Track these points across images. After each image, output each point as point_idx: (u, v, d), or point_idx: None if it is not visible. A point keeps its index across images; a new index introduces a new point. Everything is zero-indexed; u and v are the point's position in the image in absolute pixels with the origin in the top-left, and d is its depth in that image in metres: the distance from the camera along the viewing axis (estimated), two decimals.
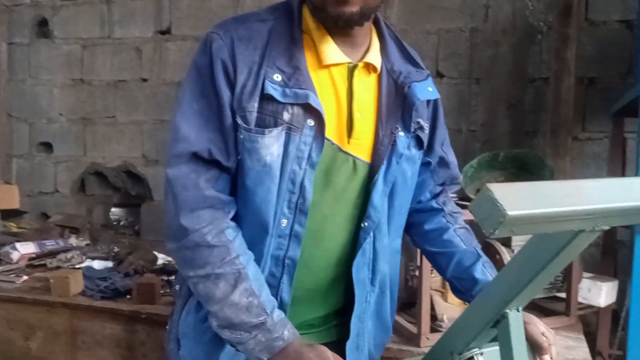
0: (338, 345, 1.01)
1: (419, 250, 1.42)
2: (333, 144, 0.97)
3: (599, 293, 1.73)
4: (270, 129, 0.92)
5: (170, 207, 0.94)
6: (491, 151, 1.93)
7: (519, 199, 0.52)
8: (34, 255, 2.35)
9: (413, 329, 1.48)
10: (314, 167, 0.94)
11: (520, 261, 0.66)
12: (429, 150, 1.12)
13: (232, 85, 0.92)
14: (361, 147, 1.00)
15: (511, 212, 0.50)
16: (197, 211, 0.91)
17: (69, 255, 2.31)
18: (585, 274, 1.84)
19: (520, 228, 0.53)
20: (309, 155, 0.94)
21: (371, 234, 1.01)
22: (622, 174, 2.15)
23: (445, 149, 1.16)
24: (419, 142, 1.05)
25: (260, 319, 0.88)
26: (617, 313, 2.11)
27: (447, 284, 1.57)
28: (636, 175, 1.53)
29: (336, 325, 1.07)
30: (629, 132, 2.17)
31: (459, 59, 2.52)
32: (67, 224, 2.90)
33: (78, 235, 2.75)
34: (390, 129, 1.01)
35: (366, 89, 1.01)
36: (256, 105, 0.92)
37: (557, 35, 2.22)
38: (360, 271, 1.02)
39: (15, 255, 2.32)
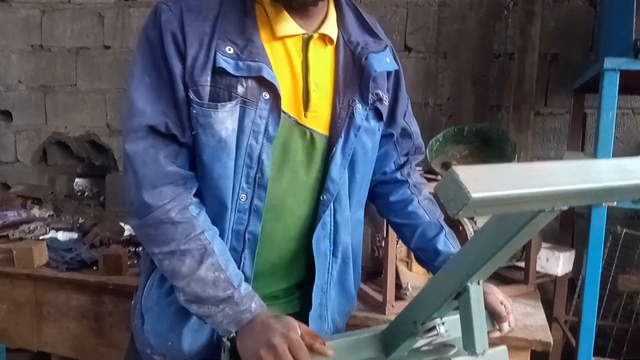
0: (302, 315, 1.02)
1: (385, 222, 1.46)
2: (290, 117, 0.96)
3: (557, 263, 1.81)
4: (223, 103, 0.90)
5: (130, 184, 0.93)
6: (456, 125, 1.96)
7: (483, 181, 0.54)
8: None
9: (379, 297, 1.52)
10: (271, 141, 0.93)
11: (482, 238, 0.69)
12: (391, 121, 1.12)
13: (183, 58, 0.90)
14: (319, 120, 0.99)
15: (475, 195, 0.52)
16: (159, 187, 0.91)
17: (32, 226, 2.26)
18: (544, 245, 1.92)
19: (483, 209, 0.55)
20: (266, 129, 0.93)
21: (331, 206, 1.02)
22: (582, 148, 2.23)
23: (407, 120, 1.16)
24: (377, 114, 1.05)
25: (228, 292, 0.89)
26: (573, 281, 2.22)
27: (412, 254, 1.63)
28: (595, 149, 1.59)
29: (299, 297, 1.09)
30: (589, 108, 2.24)
31: (427, 33, 2.53)
32: (29, 194, 2.82)
33: (41, 206, 2.68)
34: (348, 101, 0.99)
35: (322, 60, 1.00)
36: (209, 79, 0.90)
37: (522, 11, 2.25)
38: (320, 244, 1.03)
39: None
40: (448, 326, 0.82)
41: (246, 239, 0.97)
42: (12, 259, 1.94)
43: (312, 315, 1.04)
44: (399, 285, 1.55)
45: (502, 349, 0.76)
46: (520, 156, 2.18)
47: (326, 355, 0.83)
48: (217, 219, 0.95)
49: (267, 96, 0.92)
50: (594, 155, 1.55)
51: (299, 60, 0.97)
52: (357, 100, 1.00)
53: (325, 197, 1.00)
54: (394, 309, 1.47)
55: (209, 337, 1.01)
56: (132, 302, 1.09)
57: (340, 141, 0.99)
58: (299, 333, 0.84)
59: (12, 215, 2.43)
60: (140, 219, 0.92)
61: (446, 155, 1.92)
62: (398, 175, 1.19)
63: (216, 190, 0.93)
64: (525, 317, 1.48)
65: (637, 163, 0.63)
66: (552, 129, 2.41)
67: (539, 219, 0.61)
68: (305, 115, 0.98)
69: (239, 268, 0.97)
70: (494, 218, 0.67)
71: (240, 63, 0.90)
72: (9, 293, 1.95)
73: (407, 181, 1.19)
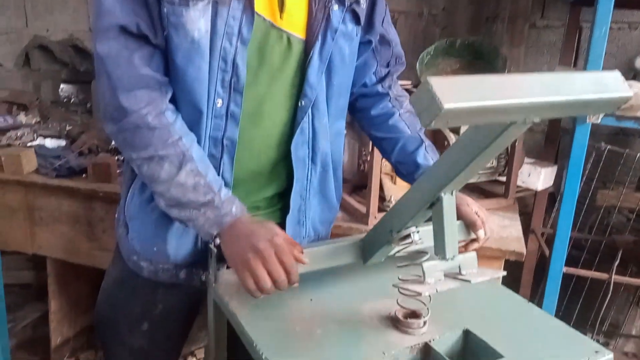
0: (282, 226, 1.05)
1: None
2: (265, 19, 0.94)
3: (538, 178, 1.85)
4: (195, 1, 0.87)
5: (104, 87, 0.91)
6: (448, 38, 1.92)
7: (456, 92, 0.54)
8: None
9: (362, 209, 1.56)
10: (245, 44, 0.92)
11: (456, 149, 0.71)
12: (369, 27, 1.09)
13: None
14: (295, 23, 0.97)
15: (447, 105, 0.53)
16: (134, 91, 0.89)
17: (19, 132, 2.25)
18: (527, 160, 1.95)
19: (455, 120, 0.56)
20: (240, 31, 0.91)
21: (309, 112, 1.01)
22: (574, 64, 2.20)
23: (385, 27, 1.14)
24: (355, 17, 1.02)
25: (208, 197, 0.90)
26: (554, 195, 2.28)
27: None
28: (586, 63, 1.57)
29: (280, 208, 1.11)
30: (586, 22, 2.19)
31: None
32: (14, 100, 2.78)
33: (27, 112, 2.65)
34: (324, 3, 0.97)
35: None
36: None
37: None
38: (299, 149, 1.04)
39: None
40: (422, 236, 0.86)
41: (224, 145, 0.97)
42: (1, 165, 1.95)
43: (290, 219, 1.07)
44: (382, 198, 1.59)
45: (472, 254, 0.80)
46: (511, 70, 2.16)
47: (303, 262, 0.86)
48: (194, 125, 0.95)
49: None
50: (584, 69, 1.54)
51: None
52: (333, 1, 0.97)
53: (303, 102, 1.00)
54: (376, 220, 1.51)
55: (193, 242, 1.04)
56: (116, 213, 1.11)
57: (317, 44, 0.97)
58: (283, 238, 0.86)
59: None
60: (116, 123, 0.91)
61: (437, 69, 1.89)
62: (379, 88, 1.18)
63: (191, 95, 0.92)
64: (502, 229, 1.53)
65: (613, 77, 0.63)
66: (547, 42, 2.37)
67: (511, 130, 0.62)
68: (280, 18, 0.95)
69: (218, 175, 0.97)
70: (468, 130, 0.68)
71: None
72: (1, 198, 1.98)
73: (388, 94, 1.17)
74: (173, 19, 0.88)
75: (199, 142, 0.96)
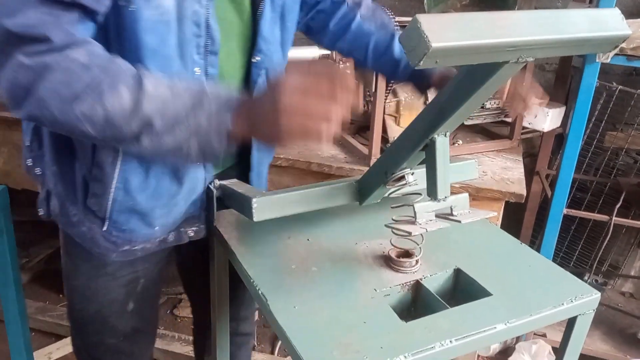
0: (243, 177, 1.03)
1: (374, 77, 1.44)
2: None
3: (544, 119, 1.82)
4: None
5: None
6: None
7: (445, 31, 0.53)
8: None
9: (365, 150, 1.56)
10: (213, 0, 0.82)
11: (449, 90, 0.69)
12: None
13: None
14: None
15: (435, 44, 0.52)
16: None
17: None
18: (535, 100, 1.91)
19: (444, 60, 0.55)
20: None
21: (263, 69, 0.95)
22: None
23: None
24: None
25: (194, 93, 0.73)
26: (562, 137, 2.25)
27: (401, 108, 1.63)
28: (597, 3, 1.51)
29: (238, 162, 1.07)
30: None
31: None
32: None
33: None
34: None
35: None
36: None
37: None
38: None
39: None
40: (417, 177, 0.86)
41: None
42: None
43: (253, 175, 1.05)
44: (385, 139, 1.59)
45: (464, 195, 0.81)
46: (522, 7, 2.08)
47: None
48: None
49: None
50: (596, 6, 1.48)
51: None
52: None
53: (258, 58, 0.93)
54: None
55: (184, 207, 0.97)
56: (70, 207, 0.96)
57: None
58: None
59: None
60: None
61: (445, 4, 1.83)
62: None
63: (165, 73, 0.78)
64: (504, 170, 1.53)
65: (611, 14, 0.61)
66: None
67: (504, 70, 0.61)
68: None
69: None
70: (461, 70, 0.67)
71: None
72: (9, 137, 2.00)
73: (344, 0, 1.09)
74: None
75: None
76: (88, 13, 0.72)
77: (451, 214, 0.79)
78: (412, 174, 0.85)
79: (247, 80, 0.96)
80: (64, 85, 0.68)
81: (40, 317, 2.06)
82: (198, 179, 0.97)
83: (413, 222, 0.77)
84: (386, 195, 0.93)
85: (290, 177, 1.61)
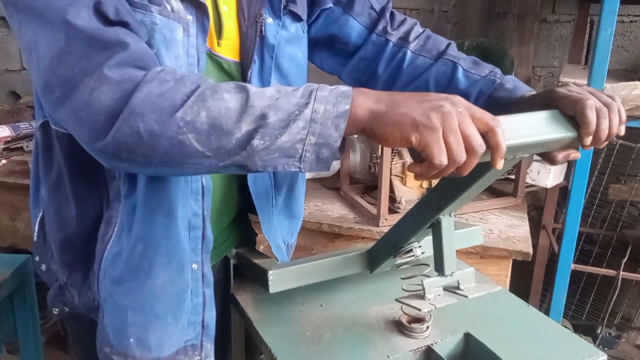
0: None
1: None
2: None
3: (547, 175, 1.88)
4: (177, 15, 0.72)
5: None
6: (460, 34, 1.95)
7: None
8: (9, 139, 2.38)
9: (373, 210, 1.61)
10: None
11: (452, 179, 0.75)
12: (313, 4, 0.95)
13: None
14: (231, 47, 0.84)
15: None
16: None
17: None
18: (537, 157, 1.97)
19: None
20: (198, 61, 0.77)
21: None
22: (585, 60, 2.20)
23: None
24: (295, 17, 0.89)
25: (303, 88, 0.65)
26: (566, 189, 2.30)
27: (407, 169, 1.70)
28: (593, 57, 1.58)
29: (242, 229, 1.05)
30: (596, 15, 2.19)
31: None
32: None
33: None
34: (254, 17, 0.83)
35: None
36: None
37: None
38: (258, 183, 0.94)
39: None
40: (424, 247, 0.91)
41: (204, 194, 0.84)
42: (28, 171, 2.03)
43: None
44: (393, 199, 1.64)
45: (470, 270, 0.85)
46: (521, 69, 2.17)
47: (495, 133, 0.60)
48: (172, 186, 0.79)
49: (191, 18, 0.74)
50: (590, 71, 1.56)
51: None
52: (265, 14, 0.83)
53: None
54: (387, 221, 1.56)
55: (184, 329, 0.87)
56: (88, 293, 0.90)
57: (255, 67, 0.84)
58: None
59: (24, 127, 2.50)
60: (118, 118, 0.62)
61: None
62: (374, 38, 0.98)
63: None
64: (510, 228, 1.57)
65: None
66: (558, 37, 2.37)
67: (503, 164, 0.67)
68: (218, 44, 0.82)
69: (202, 233, 0.85)
70: None
71: None
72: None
73: (388, 39, 0.97)
74: (167, 33, 0.71)
75: (187, 201, 0.81)
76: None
77: (458, 288, 0.84)
78: (420, 246, 0.89)
79: None
80: (162, 96, 0.62)
81: None
82: (183, 287, 0.85)
83: (422, 297, 0.82)
84: (395, 264, 0.97)
85: (302, 238, 1.65)
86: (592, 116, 0.68)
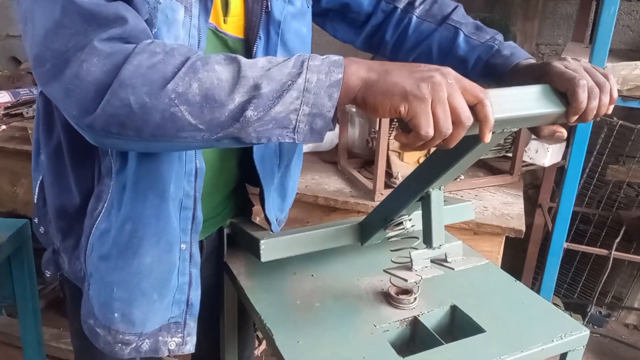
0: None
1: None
2: (210, 26, 0.80)
3: (545, 154, 1.88)
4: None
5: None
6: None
7: None
8: (9, 105, 2.38)
9: (370, 184, 1.62)
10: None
11: (441, 153, 0.76)
12: None
13: None
14: (236, 24, 0.84)
15: None
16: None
17: None
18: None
19: None
20: (199, 41, 0.76)
21: None
22: (590, 36, 2.18)
23: None
24: None
25: (295, 58, 0.65)
26: (563, 169, 2.30)
27: (394, 139, 1.69)
28: (593, 44, 1.57)
29: (236, 202, 1.07)
30: None
31: None
32: None
33: None
34: None
35: None
36: None
37: None
38: (266, 163, 0.94)
39: None
40: (414, 221, 0.92)
41: (197, 175, 0.85)
42: (27, 137, 2.04)
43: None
44: (390, 174, 1.65)
45: (458, 243, 0.86)
46: (524, 45, 2.16)
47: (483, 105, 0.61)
48: (166, 167, 0.79)
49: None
50: (592, 50, 1.55)
51: None
52: None
53: None
54: (382, 196, 1.57)
55: (168, 306, 0.88)
56: (76, 262, 0.91)
57: (260, 43, 0.83)
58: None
59: (24, 93, 2.50)
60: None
61: None
62: (382, 6, 0.99)
63: None
64: (505, 205, 1.58)
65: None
66: (564, 14, 2.34)
67: (492, 138, 0.67)
68: (224, 21, 0.82)
69: (193, 214, 0.86)
70: None
71: None
72: (29, 169, 2.07)
73: (396, 6, 0.98)
74: (170, 13, 0.71)
75: (180, 181, 0.81)
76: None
77: (445, 260, 0.85)
78: (410, 219, 0.90)
79: None
80: (152, 68, 0.61)
81: (54, 344, 2.11)
82: (170, 266, 0.86)
83: (409, 268, 0.83)
84: (386, 237, 0.99)
85: (298, 210, 1.67)
86: (582, 96, 0.68)
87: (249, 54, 0.84)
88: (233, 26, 0.84)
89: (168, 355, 0.93)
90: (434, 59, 0.95)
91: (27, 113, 2.29)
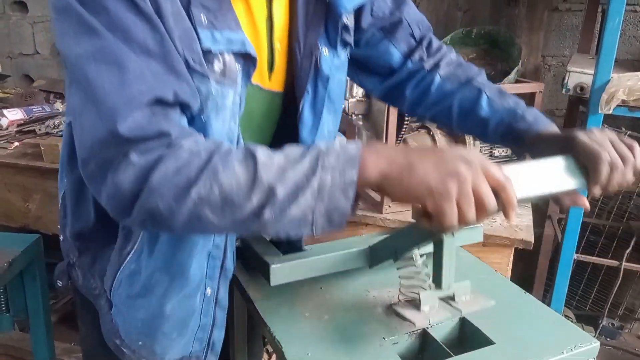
0: None
1: (385, 127, 1.52)
2: (253, 84, 0.81)
3: None
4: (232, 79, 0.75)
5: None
6: (470, 22, 1.95)
7: None
8: (22, 122, 2.42)
9: (377, 197, 1.63)
10: (239, 116, 0.79)
11: None
12: (357, 29, 0.95)
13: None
14: (278, 80, 0.85)
15: None
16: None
17: (56, 121, 2.37)
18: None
19: None
20: (240, 106, 0.78)
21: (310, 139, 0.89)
22: (596, 46, 2.19)
23: (379, 11, 0.96)
24: (345, 44, 0.90)
25: (310, 155, 0.65)
26: None
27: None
28: (599, 46, 1.57)
29: None
30: (606, 4, 2.16)
31: None
32: (51, 89, 2.92)
33: (63, 100, 2.78)
34: (310, 49, 0.83)
35: (281, 8, 0.82)
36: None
37: None
38: None
39: (4, 122, 2.38)
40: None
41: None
42: (40, 153, 2.07)
43: None
44: None
45: (466, 283, 0.87)
46: (530, 57, 2.16)
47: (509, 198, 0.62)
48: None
49: (239, 68, 0.75)
50: (597, 60, 1.55)
51: (263, 15, 0.79)
52: (321, 45, 0.83)
53: None
54: (390, 208, 1.58)
55: (189, 341, 0.91)
56: (91, 280, 0.94)
57: (307, 98, 0.85)
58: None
59: (36, 110, 2.54)
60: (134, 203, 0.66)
61: None
62: (409, 65, 1.00)
63: None
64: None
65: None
66: (569, 26, 2.35)
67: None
68: (269, 79, 0.84)
69: (221, 264, 0.88)
70: None
71: (217, 34, 0.71)
72: (42, 185, 2.11)
73: (422, 66, 0.99)
74: (219, 100, 0.73)
75: (207, 237, 0.84)
76: (186, 109, 0.72)
77: (453, 299, 0.86)
78: (421, 256, 0.90)
79: None
80: (177, 173, 0.64)
81: (66, 359, 2.12)
82: (189, 311, 0.89)
83: (417, 308, 0.85)
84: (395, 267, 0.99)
85: None
86: (604, 172, 0.70)
87: (294, 108, 0.86)
88: (275, 82, 0.86)
89: None
90: (454, 117, 0.95)
91: (39, 130, 2.32)
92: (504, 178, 0.61)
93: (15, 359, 2.18)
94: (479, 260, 1.09)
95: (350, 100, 1.58)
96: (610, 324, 2.25)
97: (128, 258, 0.84)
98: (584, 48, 2.12)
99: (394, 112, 1.47)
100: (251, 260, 1.04)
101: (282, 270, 0.94)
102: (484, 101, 0.91)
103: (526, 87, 1.71)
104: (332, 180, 0.63)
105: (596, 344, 0.87)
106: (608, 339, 2.22)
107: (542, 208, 2.32)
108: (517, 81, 1.79)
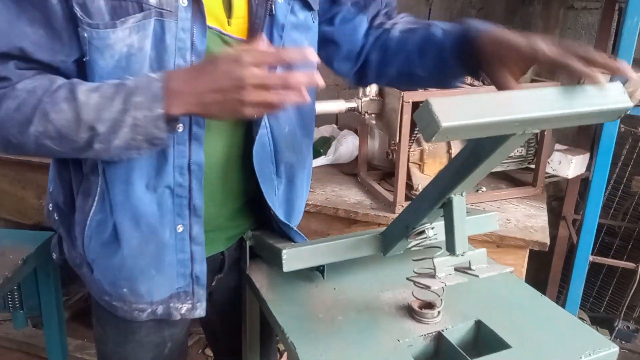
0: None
1: (398, 127, 1.51)
2: (210, 28, 0.82)
3: (568, 166, 1.85)
4: (124, 19, 0.75)
5: None
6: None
7: (454, 111, 0.59)
8: None
9: (390, 197, 1.62)
10: (201, 57, 0.81)
11: (462, 157, 0.75)
12: (332, 3, 0.99)
13: None
14: (240, 27, 0.86)
15: (445, 124, 0.58)
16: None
17: None
18: (560, 147, 1.95)
19: (454, 135, 0.62)
20: (192, 44, 0.79)
21: (266, 123, 0.93)
22: (613, 45, 2.16)
23: None
24: (305, 4, 0.91)
25: (120, 95, 0.74)
26: (588, 181, 2.26)
27: (425, 157, 1.69)
28: (617, 53, 1.55)
29: (245, 221, 1.08)
30: (623, 2, 2.13)
31: None
32: None
33: None
34: None
35: None
36: None
37: None
38: (263, 166, 0.95)
39: None
40: (437, 230, 0.91)
41: (191, 170, 0.87)
42: None
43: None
44: (410, 186, 1.64)
45: (481, 251, 0.85)
46: None
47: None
48: (155, 157, 0.85)
49: (185, 2, 0.77)
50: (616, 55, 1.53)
51: None
52: None
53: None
54: (403, 208, 1.57)
55: (169, 280, 0.94)
56: (65, 254, 1.01)
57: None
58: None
59: None
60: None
61: None
62: (373, 32, 1.04)
63: None
64: (528, 218, 1.56)
65: (614, 87, 0.67)
66: (585, 24, 2.32)
67: (512, 141, 0.67)
68: (229, 23, 0.85)
69: (189, 202, 0.89)
70: (470, 140, 0.73)
71: None
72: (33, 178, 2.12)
73: (383, 28, 1.03)
74: (97, 42, 0.75)
75: (163, 174, 0.86)
76: (46, 68, 0.78)
77: (469, 268, 0.84)
78: (432, 228, 0.90)
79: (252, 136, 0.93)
80: (17, 110, 0.75)
81: (79, 355, 2.14)
82: (160, 246, 0.91)
83: (433, 276, 0.82)
84: (408, 247, 0.98)
85: (318, 223, 1.67)
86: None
87: None
88: (237, 28, 0.86)
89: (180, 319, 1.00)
90: (415, 60, 0.97)
91: None
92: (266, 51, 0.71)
93: (28, 355, 2.20)
94: (490, 259, 1.07)
95: (364, 99, 1.57)
96: (625, 327, 2.22)
97: (92, 210, 0.89)
98: (600, 47, 2.09)
99: (407, 111, 1.46)
100: (263, 252, 1.03)
101: (294, 256, 0.94)
102: (435, 28, 0.94)
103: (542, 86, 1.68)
104: (144, 117, 0.73)
105: (615, 349, 0.86)
106: (623, 342, 2.19)
107: (555, 209, 2.29)
108: (532, 80, 1.76)
